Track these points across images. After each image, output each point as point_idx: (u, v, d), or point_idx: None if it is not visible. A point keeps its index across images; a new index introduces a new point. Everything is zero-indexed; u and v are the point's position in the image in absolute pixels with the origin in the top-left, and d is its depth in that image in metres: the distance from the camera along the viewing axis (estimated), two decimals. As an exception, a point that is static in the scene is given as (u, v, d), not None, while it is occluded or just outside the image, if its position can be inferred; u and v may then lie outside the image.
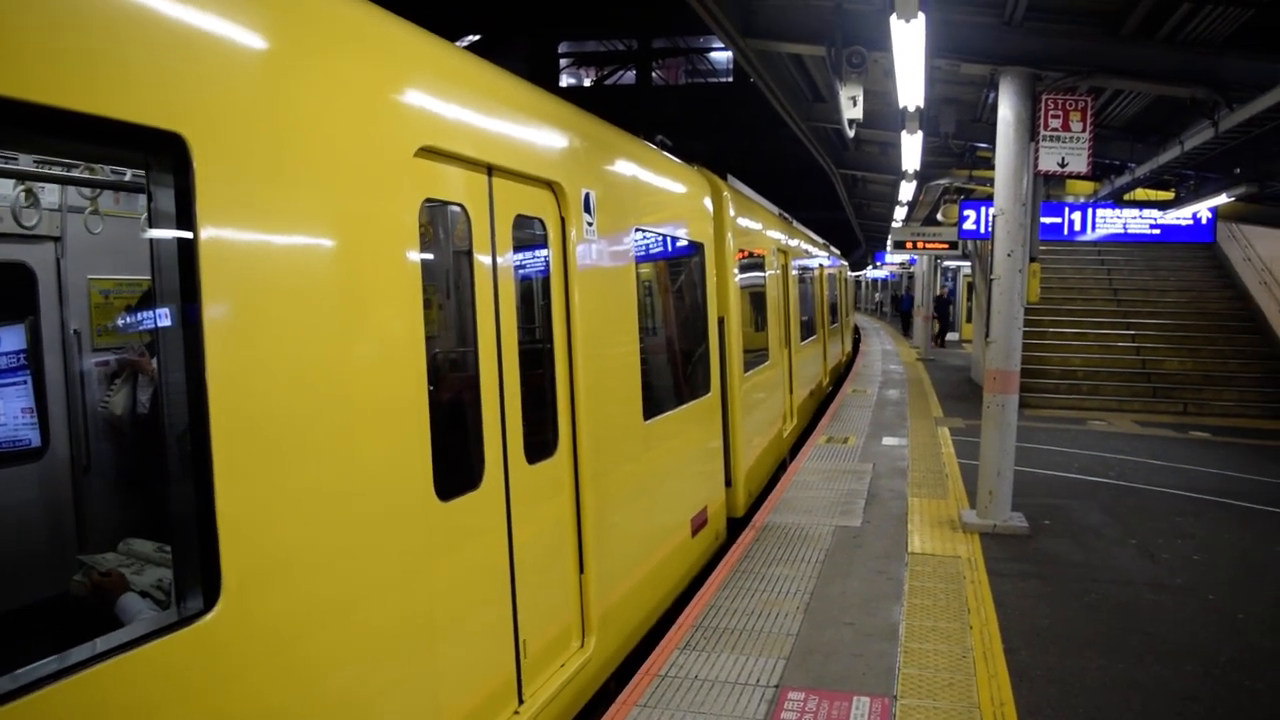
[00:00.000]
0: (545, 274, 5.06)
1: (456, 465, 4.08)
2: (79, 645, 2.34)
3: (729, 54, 35.59)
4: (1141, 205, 16.48)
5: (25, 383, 5.54)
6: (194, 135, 2.57)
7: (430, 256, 4.19)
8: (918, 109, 9.73)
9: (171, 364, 2.69)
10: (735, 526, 8.90)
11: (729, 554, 7.96)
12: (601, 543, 5.39)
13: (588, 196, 5.39)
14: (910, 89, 8.82)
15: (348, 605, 3.19)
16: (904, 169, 14.65)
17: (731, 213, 9.20)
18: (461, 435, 4.26)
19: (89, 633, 2.42)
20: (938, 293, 33.32)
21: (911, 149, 12.87)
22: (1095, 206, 16.49)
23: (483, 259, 4.34)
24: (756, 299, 11.21)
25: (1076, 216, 16.23)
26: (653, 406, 6.54)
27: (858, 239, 46.73)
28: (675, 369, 7.77)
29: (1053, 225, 15.83)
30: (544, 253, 5.04)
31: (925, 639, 6.10)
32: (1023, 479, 9.42)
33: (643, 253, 6.62)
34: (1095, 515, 9.59)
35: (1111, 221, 16.15)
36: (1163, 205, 15.95)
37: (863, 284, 66.34)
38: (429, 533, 3.68)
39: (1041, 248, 9.31)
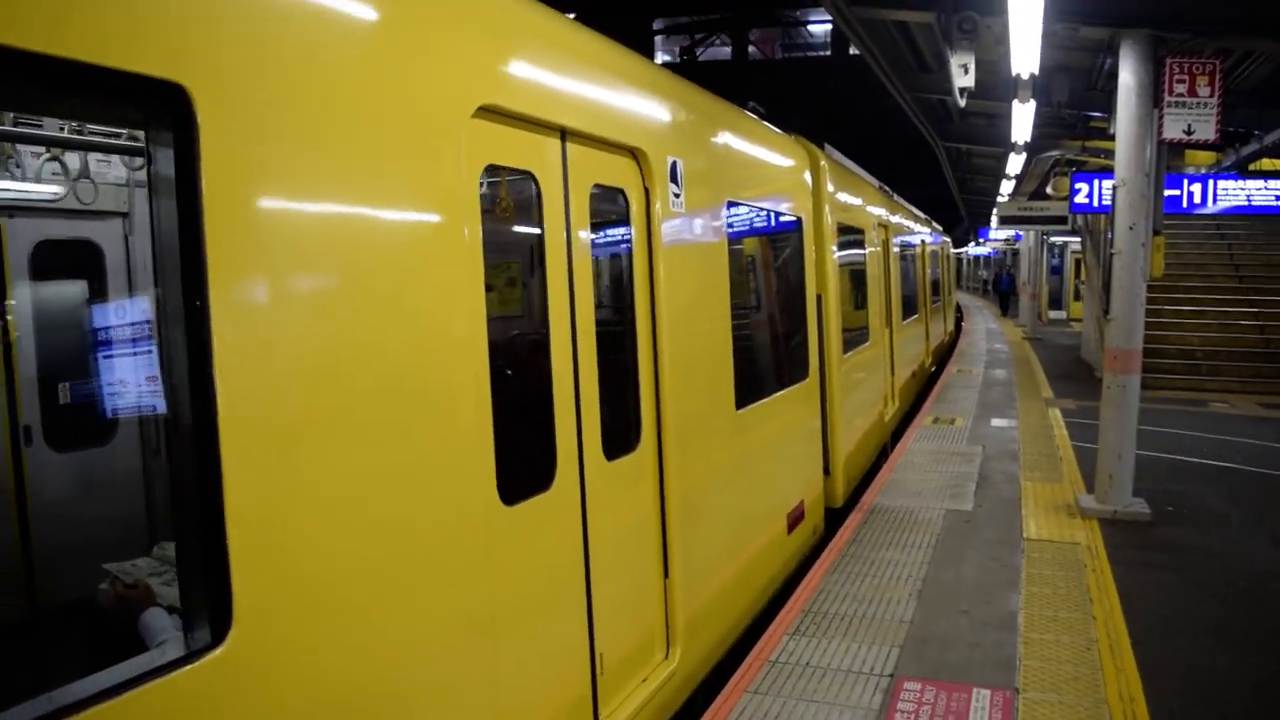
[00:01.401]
0: (627, 251, 4.62)
1: (524, 465, 3.68)
2: (67, 685, 2.08)
3: (826, 26, 35.05)
4: (1268, 175, 15.64)
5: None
6: (198, 87, 2.21)
7: (495, 230, 3.71)
8: (1031, 76, 9.33)
9: (175, 353, 2.30)
10: (833, 517, 8.55)
11: (836, 537, 7.75)
12: (688, 547, 4.97)
13: (674, 165, 4.96)
14: (1025, 54, 8.44)
15: (397, 630, 2.82)
16: (1013, 140, 14.13)
17: (830, 186, 8.84)
18: (531, 431, 3.82)
19: (109, 652, 2.17)
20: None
21: (1022, 119, 12.38)
22: (1216, 178, 15.68)
23: (556, 234, 3.92)
24: (856, 276, 10.82)
25: (1196, 188, 15.46)
26: (746, 394, 6.04)
27: (960, 215, 45.56)
28: (770, 353, 7.40)
29: (1171, 198, 15.05)
30: (625, 227, 4.60)
31: (1046, 629, 5.84)
32: (1142, 462, 8.97)
33: (735, 228, 6.18)
34: (1222, 501, 9.13)
35: (1234, 193, 15.35)
36: (1291, 175, 15.11)
37: (964, 261, 64.70)
38: (491, 542, 3.29)
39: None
